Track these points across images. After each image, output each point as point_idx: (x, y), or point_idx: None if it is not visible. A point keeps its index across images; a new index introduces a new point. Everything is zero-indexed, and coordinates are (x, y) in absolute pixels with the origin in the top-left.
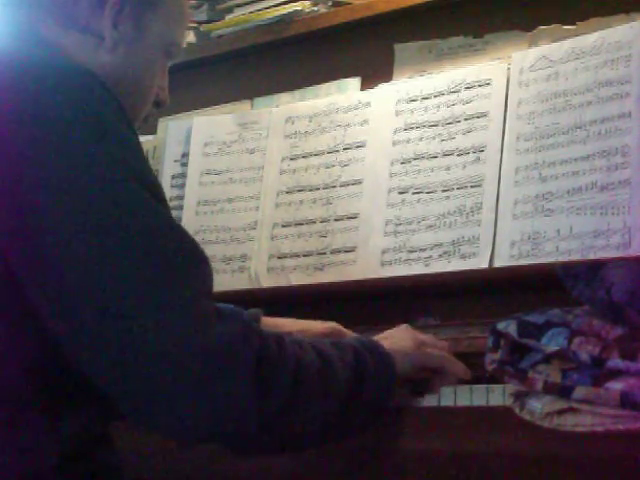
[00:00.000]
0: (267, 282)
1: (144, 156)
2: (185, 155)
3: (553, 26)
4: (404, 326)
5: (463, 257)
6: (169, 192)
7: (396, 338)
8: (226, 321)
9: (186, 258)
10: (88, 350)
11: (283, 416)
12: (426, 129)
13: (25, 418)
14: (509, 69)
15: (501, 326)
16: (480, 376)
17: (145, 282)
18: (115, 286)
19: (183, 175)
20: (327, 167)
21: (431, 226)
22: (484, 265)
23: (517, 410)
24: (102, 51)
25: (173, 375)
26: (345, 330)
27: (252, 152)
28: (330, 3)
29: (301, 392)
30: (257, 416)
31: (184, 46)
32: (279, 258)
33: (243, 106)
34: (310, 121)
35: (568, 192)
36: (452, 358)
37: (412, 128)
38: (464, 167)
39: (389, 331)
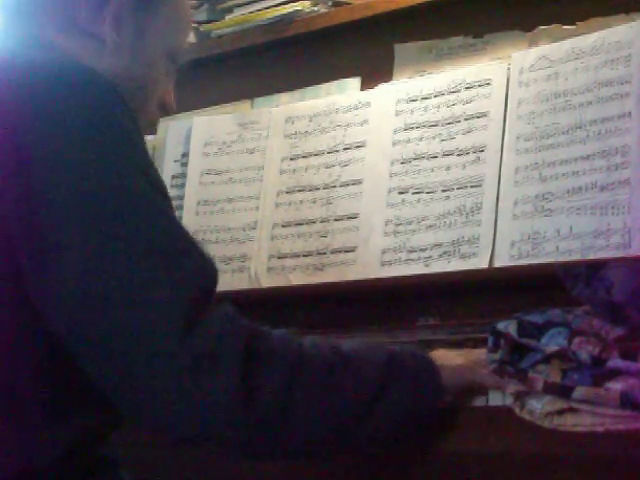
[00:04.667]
0: (267, 282)
1: (150, 157)
2: (185, 155)
3: (553, 26)
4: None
5: (463, 257)
6: (169, 192)
7: (446, 355)
8: (213, 320)
9: (183, 256)
10: (80, 343)
11: (278, 416)
12: (426, 129)
13: (29, 417)
14: (509, 69)
15: (501, 326)
16: None
17: (138, 278)
18: (108, 281)
19: (183, 175)
20: (327, 167)
21: (431, 226)
22: (484, 265)
23: (517, 410)
24: (105, 54)
25: (157, 373)
26: None
27: (252, 152)
28: (330, 3)
29: (301, 393)
30: (244, 417)
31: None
32: (279, 258)
33: (243, 106)
34: (310, 121)
35: (568, 192)
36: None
37: (412, 128)
38: (464, 167)
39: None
